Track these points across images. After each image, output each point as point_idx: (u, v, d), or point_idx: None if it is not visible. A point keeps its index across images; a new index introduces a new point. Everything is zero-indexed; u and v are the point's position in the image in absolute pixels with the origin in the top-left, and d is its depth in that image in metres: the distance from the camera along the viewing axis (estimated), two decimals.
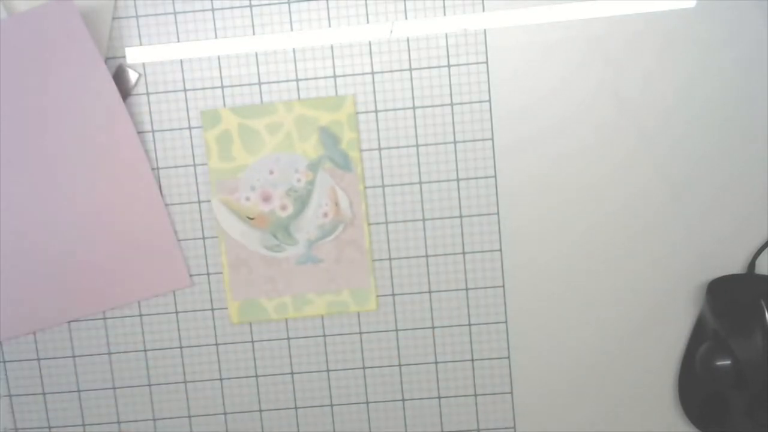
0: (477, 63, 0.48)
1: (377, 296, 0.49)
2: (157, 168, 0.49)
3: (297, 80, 0.48)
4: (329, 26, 0.48)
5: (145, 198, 0.48)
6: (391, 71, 0.48)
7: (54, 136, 0.47)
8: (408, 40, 0.48)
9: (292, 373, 0.50)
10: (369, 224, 0.49)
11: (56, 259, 0.48)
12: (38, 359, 0.51)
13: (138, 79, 0.48)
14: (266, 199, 0.48)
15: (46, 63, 0.46)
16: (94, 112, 0.47)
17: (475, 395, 0.50)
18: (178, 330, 0.50)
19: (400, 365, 0.50)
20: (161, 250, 0.49)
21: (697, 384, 0.48)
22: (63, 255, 0.48)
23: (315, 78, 0.48)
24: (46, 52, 0.45)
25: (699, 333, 0.48)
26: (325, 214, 0.48)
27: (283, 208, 0.48)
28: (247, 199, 0.49)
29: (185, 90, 0.49)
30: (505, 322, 0.49)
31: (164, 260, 0.49)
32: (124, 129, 0.47)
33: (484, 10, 0.47)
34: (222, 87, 0.48)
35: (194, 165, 0.49)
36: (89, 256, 0.48)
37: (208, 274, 0.49)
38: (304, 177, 0.48)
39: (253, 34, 0.48)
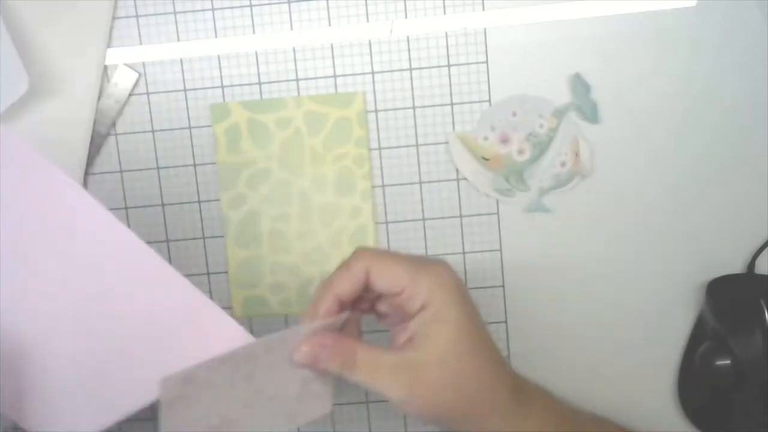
0: (477, 63, 0.48)
1: None
2: (158, 168, 0.49)
3: (297, 80, 0.48)
4: (329, 25, 0.48)
5: (164, 281, 0.42)
6: (391, 71, 0.48)
7: (50, 257, 0.42)
8: (408, 39, 0.48)
9: None
10: (376, 224, 0.49)
11: (99, 360, 0.43)
12: None
13: (138, 79, 0.48)
14: (504, 141, 0.47)
15: (12, 192, 0.41)
16: (80, 229, 0.42)
17: None
18: None
19: None
20: (200, 316, 0.43)
21: (697, 384, 0.48)
22: (108, 355, 0.43)
23: (315, 78, 0.48)
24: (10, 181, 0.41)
25: (699, 333, 0.48)
26: (563, 164, 0.47)
27: (521, 152, 0.47)
28: (485, 138, 0.47)
29: (185, 90, 0.49)
30: (505, 321, 0.49)
31: (210, 326, 0.43)
32: (118, 235, 0.42)
33: (484, 10, 0.47)
34: (222, 86, 0.48)
35: (194, 165, 0.49)
36: (134, 351, 0.43)
37: (208, 273, 0.49)
38: (547, 123, 0.47)
39: (254, 33, 0.48)
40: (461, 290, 0.37)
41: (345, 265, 0.38)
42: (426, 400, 0.36)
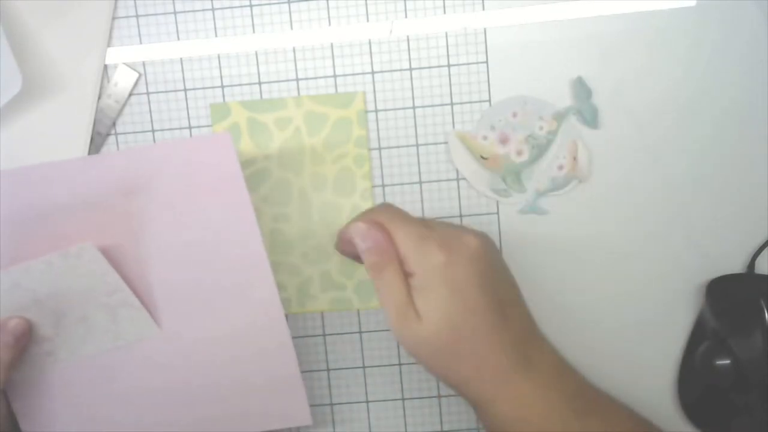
0: (477, 63, 0.48)
1: None
2: None
3: (297, 79, 0.48)
4: (329, 25, 0.48)
5: (274, 331, 0.45)
6: (391, 71, 0.48)
7: (193, 263, 0.44)
8: (408, 39, 0.48)
9: None
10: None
11: (175, 389, 0.46)
12: None
13: (138, 79, 0.48)
14: (504, 141, 0.47)
15: (193, 189, 0.43)
16: (233, 242, 0.44)
17: None
18: None
19: (400, 365, 0.50)
20: (283, 384, 0.46)
21: (697, 384, 0.48)
22: (184, 385, 0.46)
23: (315, 77, 0.48)
24: (195, 178, 0.43)
25: (699, 333, 0.48)
26: (561, 167, 0.47)
27: (519, 153, 0.47)
28: (485, 138, 0.48)
29: (185, 89, 0.49)
30: None
31: (285, 395, 0.46)
32: (260, 263, 0.44)
33: (484, 9, 0.47)
34: (222, 86, 0.48)
35: None
36: (212, 389, 0.46)
37: None
38: (546, 125, 0.47)
39: (254, 33, 0.48)
40: (451, 274, 0.38)
41: (368, 212, 0.40)
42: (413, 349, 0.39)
